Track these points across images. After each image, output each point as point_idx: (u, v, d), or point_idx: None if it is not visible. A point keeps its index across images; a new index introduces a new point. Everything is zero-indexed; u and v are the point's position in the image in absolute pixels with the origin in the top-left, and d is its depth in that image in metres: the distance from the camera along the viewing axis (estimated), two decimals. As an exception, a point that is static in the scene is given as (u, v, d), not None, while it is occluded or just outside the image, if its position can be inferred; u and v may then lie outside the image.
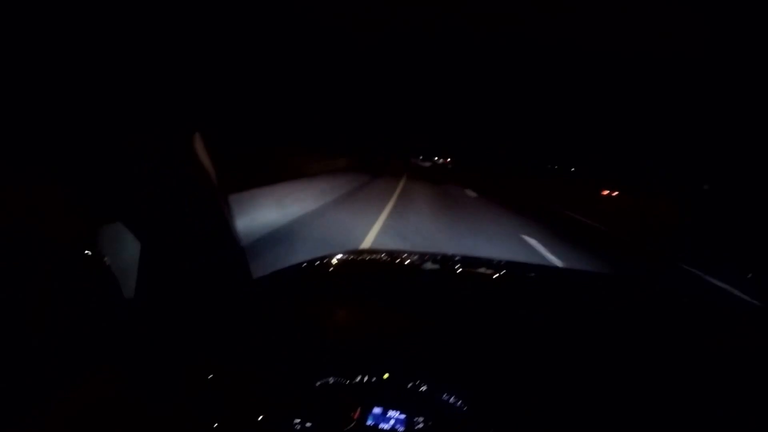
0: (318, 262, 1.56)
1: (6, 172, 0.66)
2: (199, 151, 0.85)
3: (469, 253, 3.92)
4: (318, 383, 0.84)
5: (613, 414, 0.80)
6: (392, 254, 1.84)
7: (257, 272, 1.21)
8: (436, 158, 63.23)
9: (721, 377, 0.92)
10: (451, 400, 0.81)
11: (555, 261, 5.62)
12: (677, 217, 13.12)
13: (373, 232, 6.47)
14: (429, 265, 1.68)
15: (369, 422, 0.81)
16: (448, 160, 63.05)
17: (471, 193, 15.10)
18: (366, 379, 0.84)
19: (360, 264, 1.68)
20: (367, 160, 25.23)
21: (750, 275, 6.17)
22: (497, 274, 1.68)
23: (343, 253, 1.69)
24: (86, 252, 0.73)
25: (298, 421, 0.80)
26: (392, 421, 0.81)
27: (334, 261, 1.59)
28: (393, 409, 0.81)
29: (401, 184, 16.88)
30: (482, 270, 1.74)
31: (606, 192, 19.48)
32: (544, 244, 6.58)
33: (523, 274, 1.75)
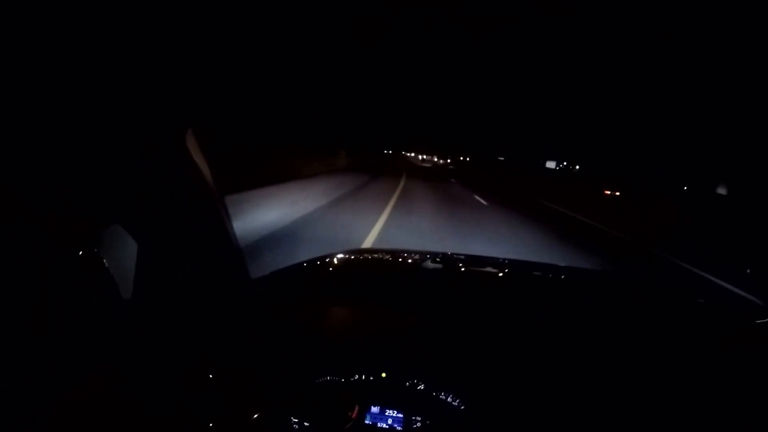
0: (319, 262, 1.56)
1: (5, 173, 0.66)
2: (195, 152, 0.85)
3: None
4: (316, 382, 0.85)
5: (612, 413, 0.80)
6: (391, 253, 1.84)
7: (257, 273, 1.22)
8: (436, 158, 62.69)
9: (721, 376, 0.92)
10: (449, 399, 0.81)
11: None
12: (677, 217, 13.11)
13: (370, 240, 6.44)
14: (427, 264, 1.67)
15: (367, 421, 0.81)
16: (449, 160, 62.57)
17: (482, 201, 12.93)
18: (364, 378, 0.85)
19: (359, 263, 1.68)
20: (367, 160, 25.00)
21: (748, 270, 6.19)
22: (496, 274, 1.68)
23: (344, 253, 1.69)
24: (85, 252, 0.73)
25: (296, 419, 0.80)
26: (390, 420, 0.81)
27: (335, 260, 1.60)
28: (390, 408, 0.82)
29: (401, 184, 16.49)
30: (481, 269, 1.74)
31: (608, 192, 19.46)
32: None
33: (522, 273, 1.75)
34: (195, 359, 0.87)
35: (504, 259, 1.94)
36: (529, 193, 18.07)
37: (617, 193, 19.16)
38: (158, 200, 0.84)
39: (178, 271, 0.90)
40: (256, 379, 0.86)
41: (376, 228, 6.87)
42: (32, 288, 0.67)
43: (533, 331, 1.05)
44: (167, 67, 0.85)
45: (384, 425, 0.81)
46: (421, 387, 0.83)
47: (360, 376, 0.85)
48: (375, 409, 0.82)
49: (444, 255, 1.85)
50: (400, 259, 1.78)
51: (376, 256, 1.81)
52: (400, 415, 0.81)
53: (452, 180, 22.55)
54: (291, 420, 0.80)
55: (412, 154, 67.74)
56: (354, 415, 0.81)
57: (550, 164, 39.66)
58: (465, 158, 63.98)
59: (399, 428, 0.80)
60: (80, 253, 0.73)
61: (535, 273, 1.81)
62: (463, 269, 1.69)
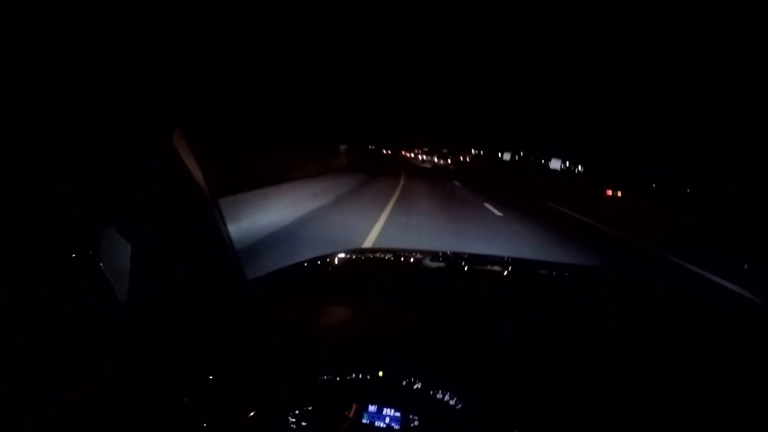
0: (317, 261, 1.57)
1: (4, 173, 0.66)
2: (186, 154, 0.85)
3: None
4: (313, 381, 0.85)
5: (612, 412, 0.80)
6: (390, 253, 1.84)
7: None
8: (436, 158, 62.10)
9: (721, 375, 0.92)
10: (447, 398, 0.81)
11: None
12: (678, 216, 13.09)
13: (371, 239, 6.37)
14: (427, 264, 1.68)
15: (364, 420, 0.81)
16: (449, 161, 62.00)
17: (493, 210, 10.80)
18: (361, 376, 0.85)
19: (357, 263, 1.68)
20: (365, 160, 24.65)
21: (745, 266, 6.19)
22: (495, 272, 1.68)
23: (343, 252, 1.69)
24: (81, 255, 0.73)
25: (293, 418, 0.80)
26: (387, 419, 0.81)
27: (333, 260, 1.60)
28: (388, 407, 0.82)
29: (400, 184, 16.11)
30: (480, 267, 1.74)
31: (609, 192, 19.42)
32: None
33: (522, 272, 1.75)
34: (192, 359, 0.88)
35: (503, 258, 1.94)
36: (539, 195, 16.79)
37: (618, 194, 19.13)
38: (151, 202, 0.84)
39: (173, 272, 0.90)
40: (253, 378, 0.86)
41: (374, 231, 6.81)
42: (30, 289, 0.67)
43: (533, 330, 1.05)
44: (159, 66, 0.85)
45: (381, 424, 0.81)
46: (419, 386, 0.83)
47: (357, 375, 0.85)
48: (372, 408, 0.82)
49: (443, 254, 1.85)
50: (399, 259, 1.78)
51: (375, 255, 1.81)
52: (398, 414, 0.81)
53: (455, 182, 21.11)
54: (288, 419, 0.80)
55: (412, 155, 67.45)
56: (351, 414, 0.81)
57: (555, 164, 38.70)
58: (465, 158, 63.48)
59: (396, 427, 0.81)
60: (76, 255, 0.73)
61: (535, 271, 1.81)
62: (462, 268, 1.69)
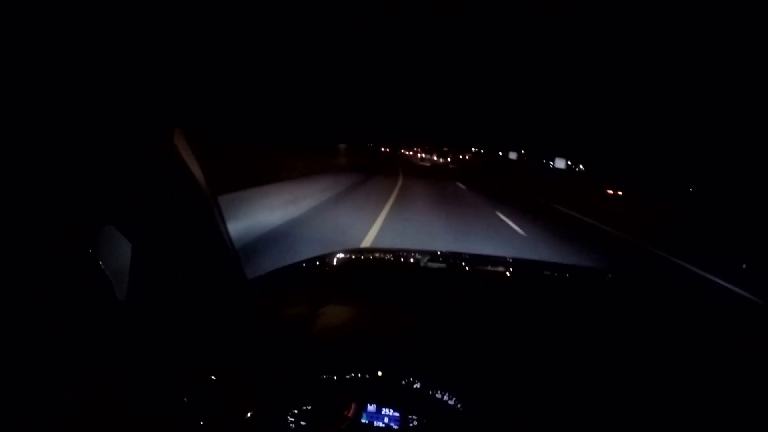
0: (316, 261, 1.57)
1: (4, 172, 0.66)
2: (186, 153, 0.85)
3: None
4: (313, 380, 0.85)
5: (611, 413, 0.80)
6: (389, 253, 1.84)
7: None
8: (436, 156, 61.55)
9: (720, 375, 0.92)
10: (446, 398, 0.82)
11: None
12: (678, 216, 13.08)
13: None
14: (426, 263, 1.68)
15: (363, 420, 0.81)
16: (449, 159, 61.50)
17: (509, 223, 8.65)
18: (360, 376, 0.85)
19: (356, 262, 1.68)
20: (362, 158, 24.26)
21: (744, 266, 6.20)
22: (495, 272, 1.68)
23: (342, 252, 1.69)
24: (80, 254, 0.73)
25: (292, 418, 0.81)
26: (386, 419, 0.81)
27: (332, 259, 1.60)
28: (387, 407, 0.82)
29: (398, 184, 15.02)
30: (480, 268, 1.74)
31: (610, 191, 19.41)
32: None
33: (522, 272, 1.75)
34: (191, 359, 0.88)
35: (504, 258, 1.94)
36: (551, 199, 15.19)
37: (619, 193, 19.12)
38: (152, 201, 0.84)
39: (173, 271, 0.90)
40: (252, 377, 0.86)
41: (373, 230, 6.71)
42: (30, 288, 0.67)
43: (533, 330, 1.05)
44: (158, 65, 0.85)
45: (380, 424, 0.81)
46: (418, 386, 0.83)
47: (356, 375, 0.85)
48: (371, 408, 0.82)
49: (443, 254, 1.85)
50: (399, 259, 1.79)
51: (374, 255, 1.81)
52: (397, 414, 0.81)
53: (459, 183, 19.01)
54: (287, 418, 0.81)
55: (411, 153, 67.10)
56: (350, 414, 0.82)
57: (560, 163, 37.52)
58: (465, 156, 63.08)
59: (395, 427, 0.81)
60: (76, 254, 0.73)
61: (535, 272, 1.81)
62: (462, 268, 1.69)
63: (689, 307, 1.45)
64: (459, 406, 0.81)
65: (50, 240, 0.70)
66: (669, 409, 0.80)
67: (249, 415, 0.80)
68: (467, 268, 1.71)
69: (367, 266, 1.64)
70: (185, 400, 0.81)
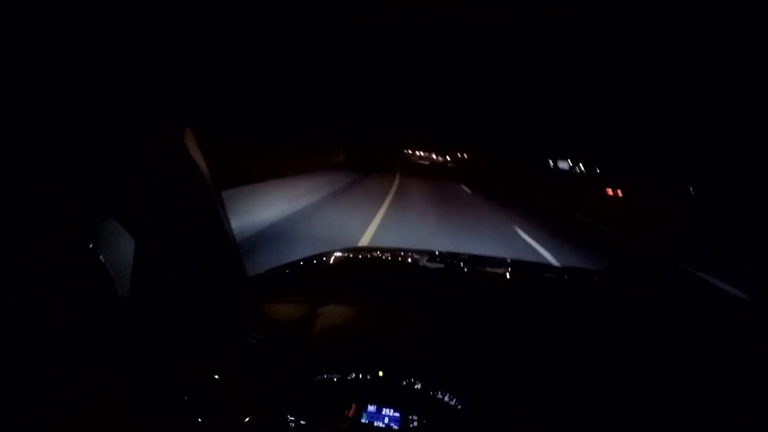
0: (316, 260, 1.56)
1: (2, 170, 0.66)
2: (193, 148, 0.85)
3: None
4: (313, 380, 0.85)
5: (611, 414, 0.80)
6: (388, 252, 1.84)
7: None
8: (434, 155, 61.06)
9: (719, 376, 0.92)
10: (446, 398, 0.82)
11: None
12: (678, 217, 13.05)
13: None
14: (426, 263, 1.67)
15: (363, 420, 0.81)
16: (448, 158, 61.25)
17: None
18: (361, 376, 0.85)
19: (356, 261, 1.68)
20: (360, 156, 23.90)
21: (746, 270, 6.15)
22: (496, 273, 1.68)
23: (341, 251, 1.69)
24: (82, 249, 0.73)
25: (292, 418, 0.80)
26: (386, 419, 0.81)
27: (332, 258, 1.60)
28: (387, 407, 0.82)
29: (393, 188, 13.05)
30: (479, 268, 1.74)
31: (610, 192, 19.40)
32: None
33: (523, 273, 1.75)
34: (191, 357, 0.88)
35: (504, 259, 1.94)
36: (567, 204, 13.21)
37: (619, 194, 19.09)
38: (157, 197, 0.84)
39: (176, 268, 0.90)
40: (252, 377, 0.86)
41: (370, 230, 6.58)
42: (30, 285, 0.67)
43: (533, 331, 1.05)
44: (166, 63, 0.85)
45: (381, 424, 0.81)
46: (419, 386, 0.83)
47: (357, 375, 0.85)
48: (372, 408, 0.82)
49: (443, 254, 1.85)
50: (399, 258, 1.78)
51: (374, 254, 1.81)
52: (397, 414, 0.81)
53: (463, 186, 16.75)
54: (287, 418, 0.80)
55: (410, 151, 66.86)
56: (350, 414, 0.81)
57: (563, 165, 36.32)
58: (463, 155, 62.88)
59: (395, 427, 0.81)
60: (78, 250, 0.73)
61: (535, 273, 1.81)
62: (462, 268, 1.69)
63: (688, 308, 1.45)
64: (459, 406, 0.81)
65: (51, 237, 0.70)
66: (668, 410, 0.81)
67: (249, 414, 0.80)
68: (466, 268, 1.71)
69: (368, 265, 1.64)
70: (185, 399, 0.81)
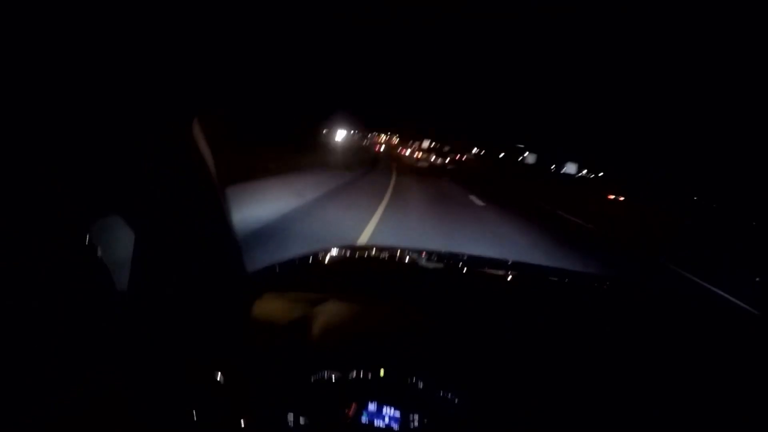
0: (315, 257, 1.56)
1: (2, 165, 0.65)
2: (198, 140, 0.84)
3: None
4: (312, 378, 0.85)
5: (611, 415, 0.81)
6: (388, 250, 1.84)
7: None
8: (433, 157, 60.10)
9: (718, 382, 0.92)
10: (447, 397, 0.82)
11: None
12: (678, 222, 13.00)
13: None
14: (428, 262, 1.67)
15: (363, 419, 0.81)
16: (447, 159, 60.37)
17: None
18: (362, 375, 0.85)
19: (357, 259, 1.68)
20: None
21: (757, 279, 6.06)
22: (497, 274, 1.68)
23: (339, 248, 1.68)
24: (79, 245, 0.73)
25: (292, 416, 0.80)
26: (387, 419, 0.81)
27: (330, 256, 1.59)
28: (388, 406, 0.82)
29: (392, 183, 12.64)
30: (481, 268, 1.74)
31: (612, 197, 19.39)
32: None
33: (523, 274, 1.75)
34: (191, 356, 0.87)
35: (505, 260, 1.94)
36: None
37: (621, 198, 19.08)
38: (160, 190, 0.83)
39: (176, 264, 0.89)
40: (251, 375, 0.86)
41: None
42: (26, 282, 0.66)
43: (534, 332, 1.06)
44: (171, 54, 0.84)
45: (381, 423, 0.81)
46: (420, 385, 0.83)
47: (358, 373, 0.85)
48: (372, 407, 0.82)
49: (444, 253, 1.85)
50: (401, 256, 1.78)
51: (375, 252, 1.81)
52: (398, 414, 0.81)
53: (472, 197, 13.10)
54: (286, 416, 0.80)
55: (407, 152, 66.25)
56: (351, 413, 0.81)
57: (571, 168, 35.92)
58: (462, 157, 62.34)
59: (396, 427, 0.81)
60: (74, 245, 0.72)
61: (538, 274, 1.81)
62: (464, 268, 1.69)
63: (688, 313, 1.46)
64: (461, 405, 0.81)
65: (47, 232, 0.69)
66: (668, 414, 0.81)
67: (248, 413, 0.80)
68: (467, 268, 1.71)
69: (369, 263, 1.64)
70: (185, 398, 0.80)
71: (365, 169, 20.02)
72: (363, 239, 5.96)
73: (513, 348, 0.97)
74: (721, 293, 5.74)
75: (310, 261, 1.53)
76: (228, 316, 0.99)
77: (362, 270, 1.55)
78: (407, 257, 1.77)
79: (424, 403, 0.82)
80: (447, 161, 56.60)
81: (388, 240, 5.99)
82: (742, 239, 10.15)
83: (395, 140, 78.65)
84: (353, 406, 0.82)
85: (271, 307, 1.09)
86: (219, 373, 0.85)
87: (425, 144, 69.27)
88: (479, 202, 11.84)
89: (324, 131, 22.09)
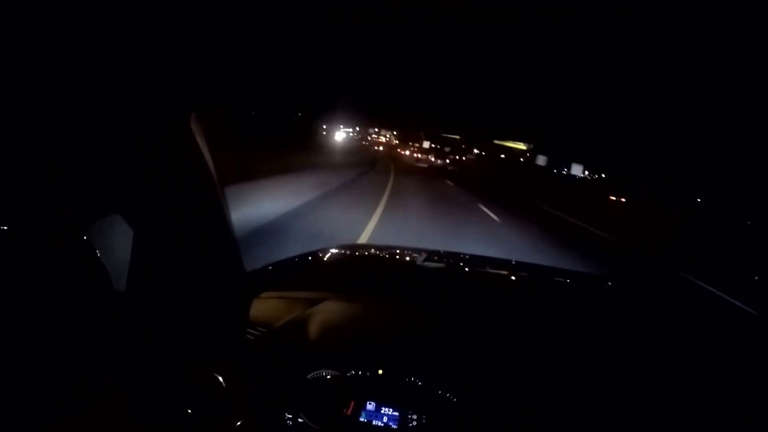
0: (315, 255, 1.56)
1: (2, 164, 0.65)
2: (198, 140, 0.84)
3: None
4: (311, 377, 0.84)
5: (610, 414, 0.81)
6: (389, 250, 1.83)
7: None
8: (433, 158, 59.68)
9: (721, 383, 0.92)
10: (446, 397, 0.82)
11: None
12: (678, 223, 12.99)
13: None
14: (428, 262, 1.67)
15: (362, 418, 0.81)
16: (447, 160, 60.18)
17: None
18: (361, 374, 0.84)
19: (357, 258, 1.67)
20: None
21: (756, 278, 6.09)
22: (497, 274, 1.68)
23: (338, 248, 1.68)
24: (78, 244, 0.72)
25: (290, 415, 0.80)
26: (385, 418, 0.81)
27: (332, 254, 1.59)
28: (386, 406, 0.82)
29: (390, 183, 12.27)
30: (482, 269, 1.74)
31: (614, 198, 19.39)
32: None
33: (524, 275, 1.75)
34: (190, 356, 0.87)
35: (505, 260, 1.94)
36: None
37: (622, 200, 19.07)
38: (159, 190, 0.83)
39: (175, 263, 0.88)
40: (250, 375, 0.85)
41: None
42: (27, 282, 0.66)
43: (533, 332, 1.05)
44: (171, 54, 0.83)
45: (379, 423, 0.81)
46: (419, 384, 0.83)
47: (356, 372, 0.84)
48: (370, 407, 0.82)
49: (444, 253, 1.85)
50: (399, 256, 1.78)
51: (375, 251, 1.81)
52: (396, 413, 0.81)
53: (480, 205, 11.42)
54: (285, 415, 0.80)
55: (407, 152, 66.04)
56: (349, 412, 0.81)
57: (577, 169, 34.40)
58: (462, 158, 62.09)
59: (394, 426, 0.81)
60: (76, 248, 0.72)
61: (538, 274, 1.81)
62: (462, 268, 1.69)
63: (689, 312, 1.46)
64: (459, 405, 0.80)
65: (50, 235, 0.69)
66: (667, 411, 0.81)
67: (247, 412, 0.80)
68: (468, 268, 1.71)
69: (368, 262, 1.63)
70: (185, 398, 0.80)
71: (364, 169, 20.10)
72: (363, 239, 5.99)
73: (513, 348, 0.97)
74: (721, 293, 5.78)
75: (309, 260, 1.52)
76: (227, 316, 0.99)
77: (361, 269, 1.54)
78: (406, 257, 1.77)
79: (422, 403, 0.82)
80: (447, 162, 56.42)
81: (387, 239, 6.03)
82: (741, 239, 10.15)
83: (395, 141, 78.55)
84: (352, 405, 0.82)
85: (269, 306, 1.09)
86: (218, 373, 0.84)
87: (425, 144, 69.35)
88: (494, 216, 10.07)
89: (324, 132, 22.12)
